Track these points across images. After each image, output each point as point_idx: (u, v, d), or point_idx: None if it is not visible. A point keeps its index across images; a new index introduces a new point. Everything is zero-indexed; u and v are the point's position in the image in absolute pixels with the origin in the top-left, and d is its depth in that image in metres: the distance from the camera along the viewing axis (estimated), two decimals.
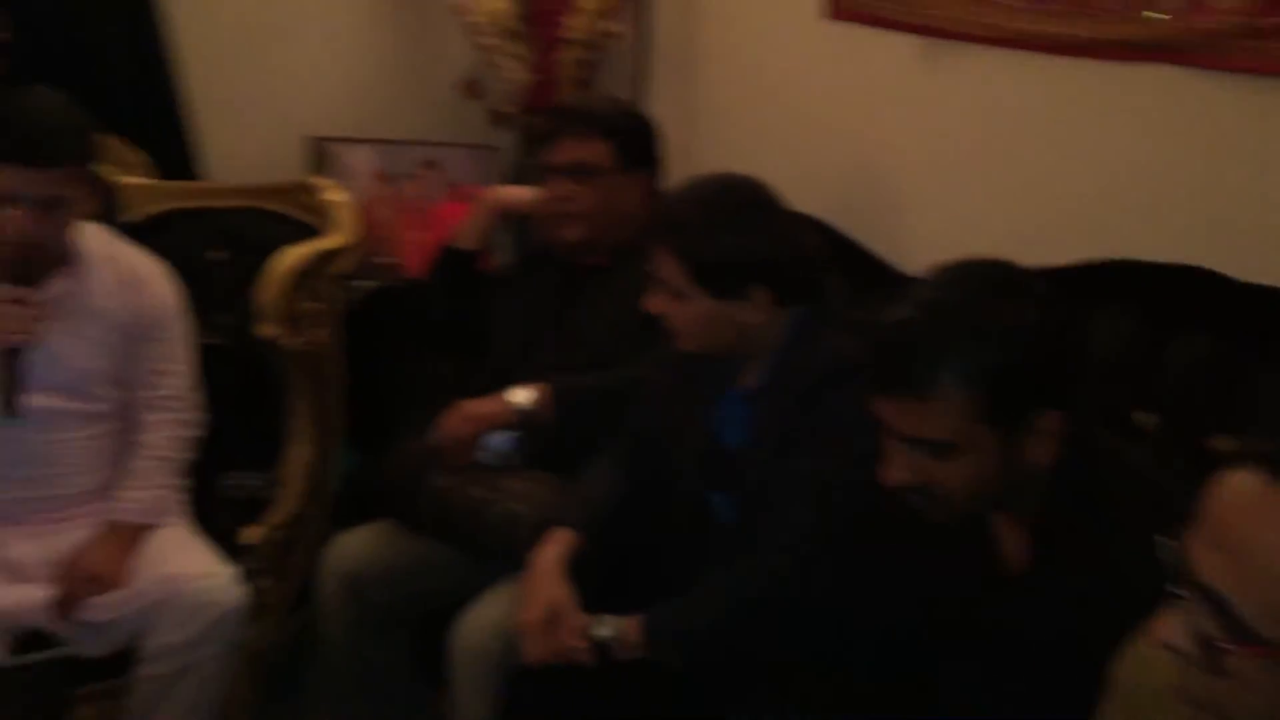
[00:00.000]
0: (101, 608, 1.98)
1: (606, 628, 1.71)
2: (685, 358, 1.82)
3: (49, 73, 2.43)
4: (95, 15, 2.53)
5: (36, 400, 2.01)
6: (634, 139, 2.23)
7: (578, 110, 2.37)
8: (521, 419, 2.05)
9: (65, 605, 1.97)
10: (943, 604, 1.45)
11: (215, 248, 2.56)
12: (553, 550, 1.82)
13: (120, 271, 2.13)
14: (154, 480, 2.13)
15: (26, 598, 1.97)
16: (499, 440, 2.06)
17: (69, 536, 2.05)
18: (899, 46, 2.32)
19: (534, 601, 1.77)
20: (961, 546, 1.44)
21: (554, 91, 2.93)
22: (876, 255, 2.32)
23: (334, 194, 2.54)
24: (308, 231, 2.50)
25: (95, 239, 2.13)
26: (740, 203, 1.76)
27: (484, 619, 1.91)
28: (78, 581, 1.99)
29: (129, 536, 2.07)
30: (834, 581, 1.58)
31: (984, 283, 1.37)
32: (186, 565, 2.05)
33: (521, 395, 2.05)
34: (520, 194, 2.38)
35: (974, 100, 2.20)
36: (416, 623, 2.12)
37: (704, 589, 1.73)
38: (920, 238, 2.28)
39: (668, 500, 1.89)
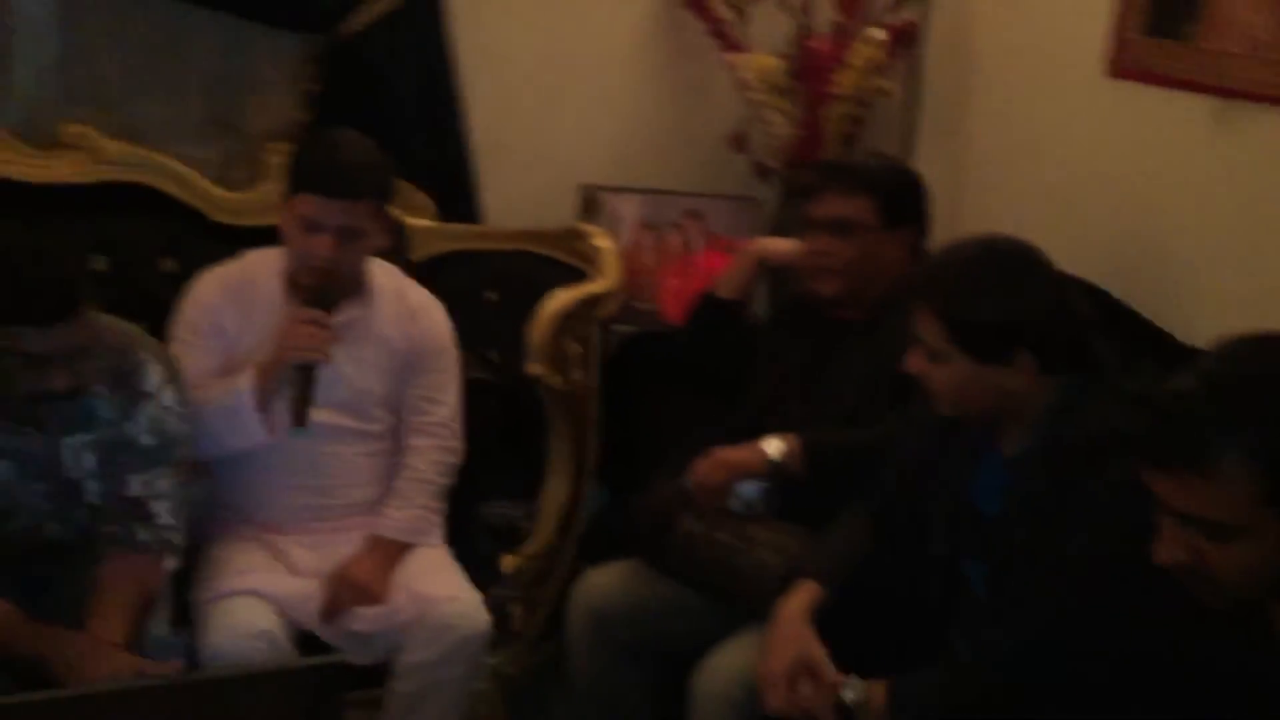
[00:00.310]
0: (364, 618, 2.12)
1: (853, 690, 1.70)
2: (942, 419, 1.79)
3: (351, 121, 2.66)
4: (397, 71, 2.71)
5: (321, 415, 2.17)
6: (898, 196, 2.23)
7: (843, 165, 2.39)
8: (772, 469, 2.06)
9: (332, 612, 2.11)
10: (1213, 694, 1.36)
11: (489, 288, 2.71)
12: (798, 601, 1.82)
13: (402, 304, 2.29)
14: (415, 501, 2.26)
15: (301, 590, 2.12)
16: (749, 489, 2.08)
17: (340, 549, 2.20)
18: (1188, 107, 2.22)
19: (778, 652, 1.77)
20: (1236, 635, 1.35)
21: (819, 146, 2.95)
22: (1153, 323, 2.22)
23: (601, 240, 2.64)
24: (575, 275, 2.61)
25: (383, 272, 2.30)
26: (1007, 264, 1.72)
27: (727, 665, 1.92)
28: (344, 589, 2.13)
29: (390, 552, 2.20)
30: (1092, 664, 1.52)
31: (1278, 358, 1.29)
32: (437, 587, 2.16)
33: (773, 445, 2.06)
34: (781, 246, 2.41)
35: (1273, 165, 2.08)
36: (660, 662, 2.16)
37: (952, 662, 1.69)
38: (1204, 307, 2.17)
39: (915, 561, 1.85)
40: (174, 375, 2.00)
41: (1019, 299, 1.69)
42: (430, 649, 2.10)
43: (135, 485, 1.96)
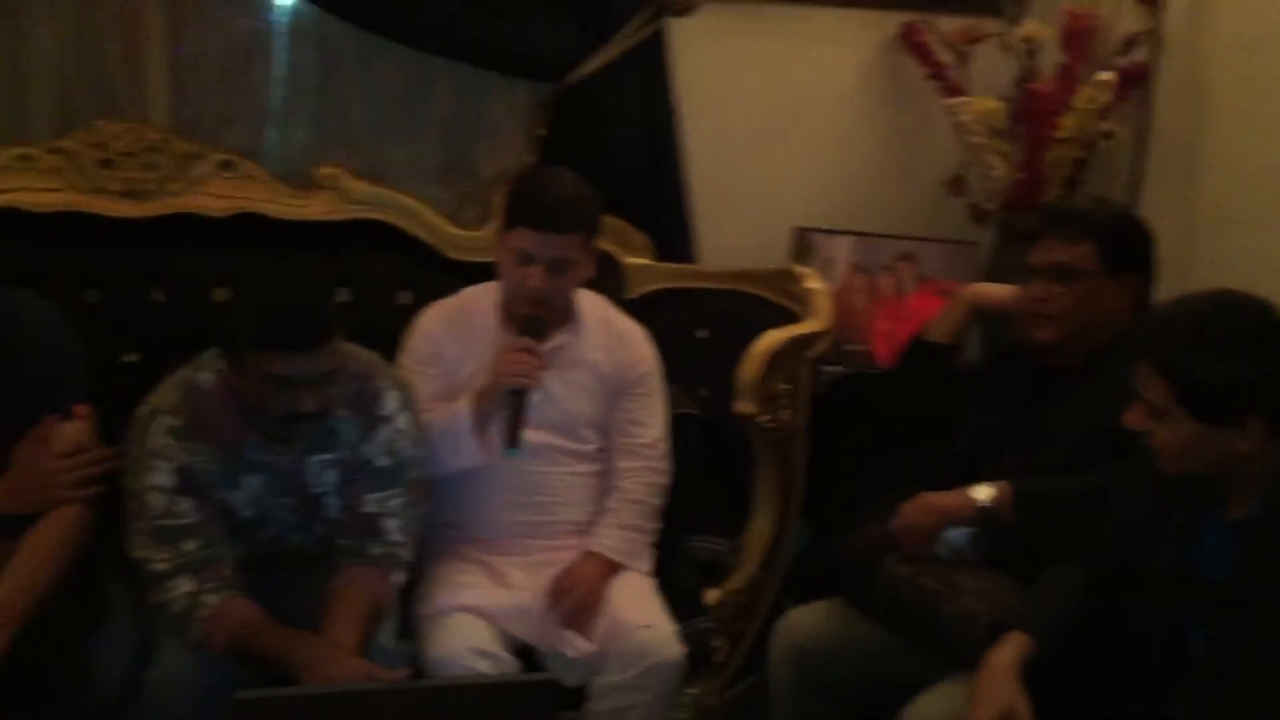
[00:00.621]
0: (571, 641, 2.18)
1: None
2: (1163, 476, 1.74)
3: (576, 163, 2.78)
4: (620, 115, 2.82)
5: (534, 436, 2.27)
6: (1122, 243, 2.17)
7: (1065, 210, 2.34)
8: (981, 516, 2.04)
9: (560, 619, 2.18)
10: None
11: (701, 326, 2.77)
12: (1008, 653, 1.79)
13: (609, 331, 2.39)
14: (627, 520, 2.33)
15: (517, 606, 2.21)
16: (957, 535, 2.06)
17: (554, 569, 2.28)
18: None
19: (987, 703, 1.75)
20: None
21: (1040, 190, 2.91)
22: None
23: (813, 282, 2.67)
24: (787, 316, 2.65)
25: (591, 301, 2.41)
26: (1240, 322, 1.65)
27: (931, 712, 1.90)
28: (564, 596, 2.20)
29: (604, 568, 2.28)
30: None
31: None
32: (637, 614, 2.21)
33: (983, 492, 2.04)
34: (998, 291, 2.38)
35: None
36: (861, 704, 2.15)
37: None
38: None
39: (1129, 619, 1.80)
40: (409, 402, 2.14)
41: (1252, 360, 1.61)
42: (625, 672, 2.15)
43: (370, 503, 2.10)
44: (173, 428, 1.98)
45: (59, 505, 2.02)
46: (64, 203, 2.49)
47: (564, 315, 2.34)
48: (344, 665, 1.89)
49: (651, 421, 2.39)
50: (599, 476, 2.38)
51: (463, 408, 2.23)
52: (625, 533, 2.33)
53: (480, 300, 2.38)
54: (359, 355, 2.10)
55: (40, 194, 2.48)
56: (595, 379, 2.35)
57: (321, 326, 1.90)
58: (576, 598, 2.21)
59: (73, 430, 2.06)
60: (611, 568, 2.29)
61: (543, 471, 2.32)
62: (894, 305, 3.07)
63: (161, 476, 1.97)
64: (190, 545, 1.97)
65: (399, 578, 2.13)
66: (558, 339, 2.31)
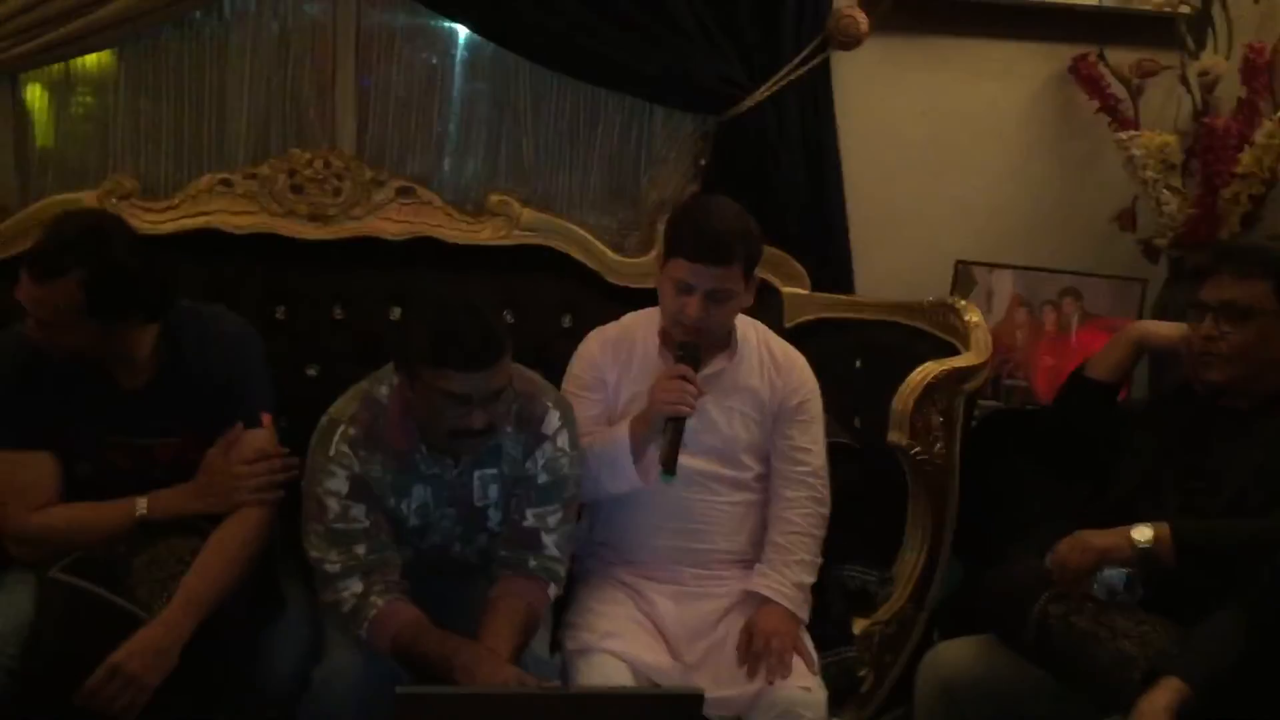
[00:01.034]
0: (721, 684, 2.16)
1: None
2: None
3: (737, 193, 2.82)
4: (783, 146, 2.86)
5: (692, 462, 2.30)
6: None
7: (1240, 247, 2.29)
8: (1140, 557, 1.99)
9: (765, 678, 2.14)
10: None
11: (857, 356, 2.78)
12: (1162, 699, 1.75)
13: (768, 357, 2.39)
14: (796, 558, 2.30)
15: (659, 659, 2.20)
16: (1113, 575, 2.02)
17: (706, 604, 2.29)
18: None
19: None
20: None
21: (1215, 227, 2.83)
22: None
23: (972, 315, 2.65)
24: (944, 348, 2.64)
25: (751, 328, 2.41)
26: None
27: None
28: (766, 656, 2.16)
29: (788, 617, 2.24)
30: None
31: None
32: (795, 670, 2.16)
33: (1143, 533, 2.00)
34: (1165, 329, 2.32)
35: None
36: None
37: None
38: None
39: None
40: (570, 421, 2.22)
41: None
42: None
43: (530, 517, 2.18)
44: (350, 437, 2.09)
45: (243, 507, 2.16)
46: (257, 225, 2.68)
47: (723, 342, 2.36)
48: (500, 670, 1.95)
49: (814, 449, 2.38)
50: (756, 506, 2.38)
51: (622, 433, 2.28)
52: (797, 573, 2.29)
53: (641, 327, 2.42)
54: (524, 375, 2.19)
55: (237, 216, 2.67)
56: (754, 405, 2.36)
57: (493, 347, 1.99)
58: (776, 657, 2.17)
59: (259, 438, 2.21)
60: (795, 617, 2.26)
61: (699, 499, 2.34)
62: (1057, 341, 3.02)
63: (338, 482, 2.08)
64: (361, 549, 2.08)
65: (554, 591, 2.20)
66: (716, 365, 2.34)
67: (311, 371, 2.65)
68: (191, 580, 2.07)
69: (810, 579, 2.33)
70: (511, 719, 1.61)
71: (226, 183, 2.67)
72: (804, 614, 2.29)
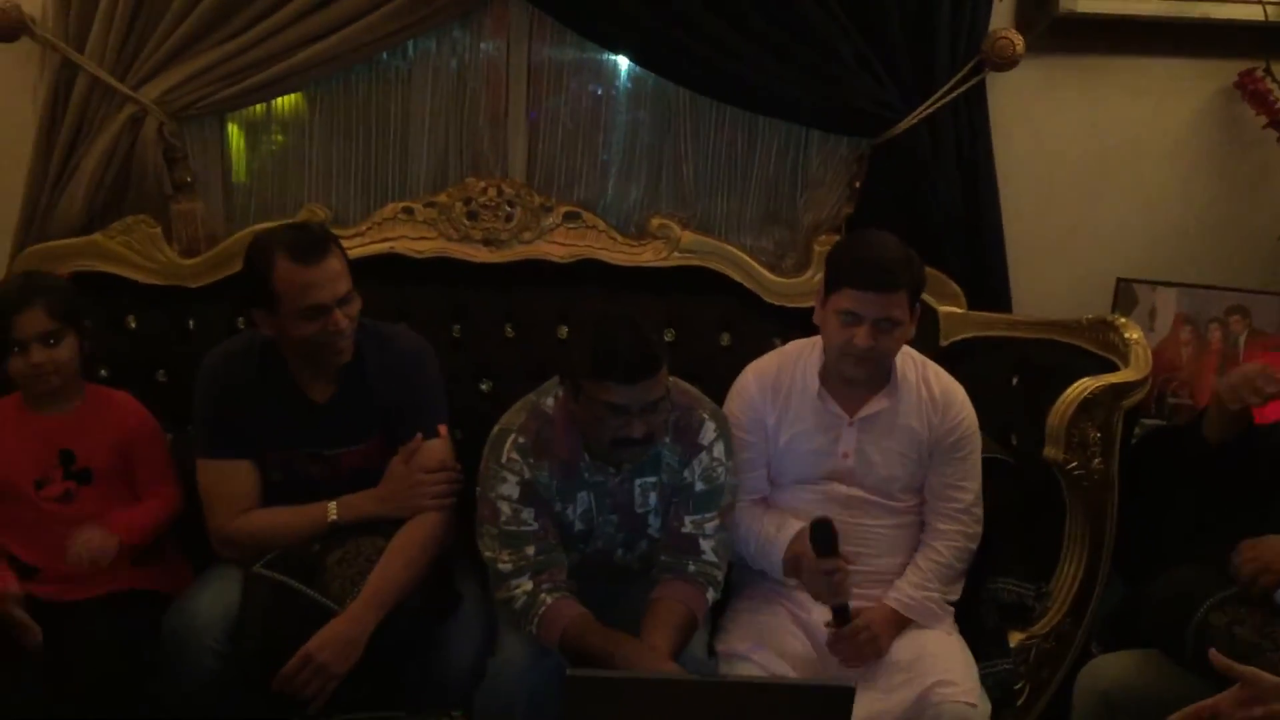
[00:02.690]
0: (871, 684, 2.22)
1: None
2: None
3: (892, 214, 2.88)
4: (938, 167, 2.90)
5: (849, 491, 2.36)
6: None
7: None
8: None
9: (846, 651, 2.24)
10: None
11: (1014, 373, 2.78)
12: None
13: (927, 393, 2.40)
14: (929, 583, 2.36)
15: (806, 657, 2.28)
16: None
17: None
18: None
19: None
20: None
21: None
22: None
23: (1131, 331, 2.62)
24: (1102, 365, 2.62)
25: (909, 362, 2.42)
26: None
27: None
28: (857, 631, 2.25)
29: (897, 621, 2.32)
30: None
31: None
32: (960, 688, 2.20)
33: None
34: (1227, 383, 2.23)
35: None
36: None
37: None
38: None
39: None
40: (725, 433, 2.31)
41: None
42: None
43: (688, 524, 2.28)
44: (520, 445, 2.23)
45: (423, 513, 2.32)
46: (436, 249, 2.86)
47: (883, 379, 2.37)
48: (661, 665, 2.06)
49: (968, 485, 2.39)
50: (912, 528, 2.42)
51: (782, 543, 2.32)
52: (925, 593, 2.34)
53: (798, 363, 2.42)
54: (682, 387, 2.29)
55: (417, 242, 2.86)
56: (913, 444, 2.38)
57: (650, 360, 2.09)
58: (855, 645, 2.24)
59: (437, 448, 2.37)
60: (901, 623, 2.32)
61: (856, 523, 2.38)
62: (1225, 359, 2.96)
63: (509, 488, 2.22)
64: (531, 550, 2.21)
65: (712, 595, 2.29)
66: (876, 405, 2.36)
67: (484, 386, 2.81)
68: (376, 578, 2.23)
69: (943, 600, 2.36)
70: (671, 705, 1.70)
71: (408, 211, 2.86)
72: (937, 623, 2.33)
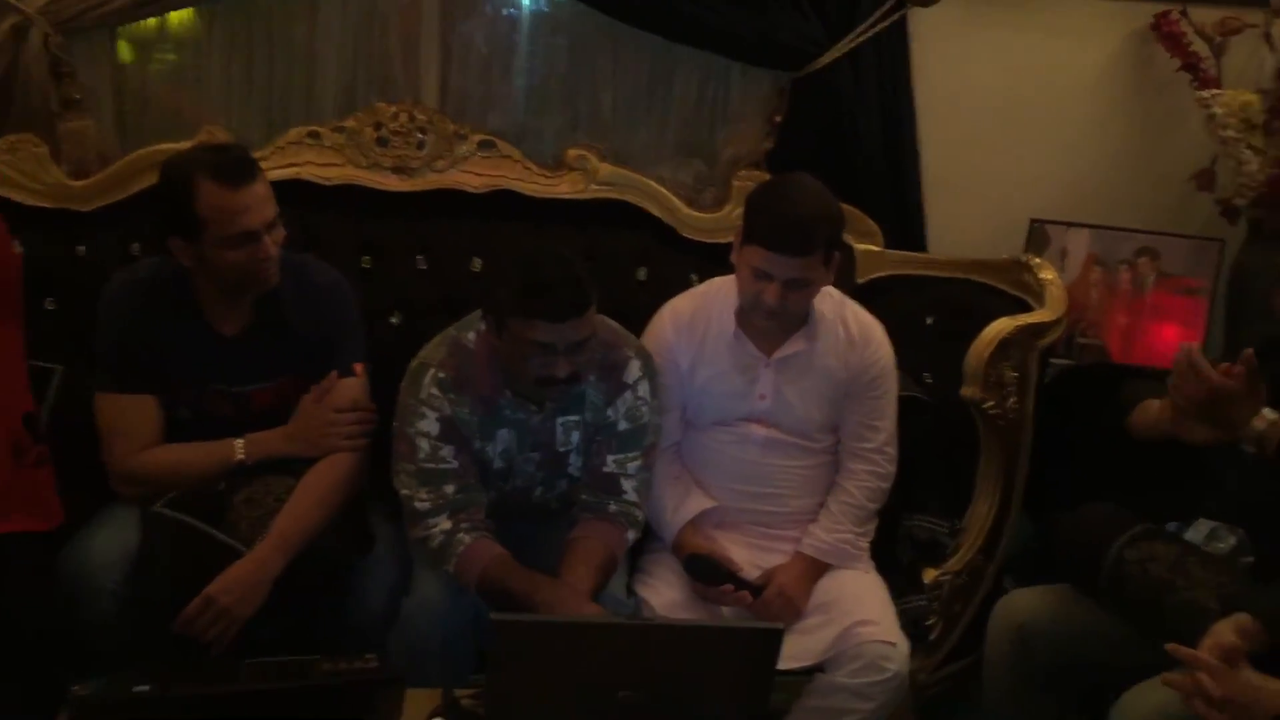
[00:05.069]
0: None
1: None
2: None
3: (811, 150, 2.86)
4: (858, 103, 2.88)
5: (766, 433, 2.35)
6: None
7: None
8: (1255, 438, 1.94)
9: (764, 618, 2.23)
10: None
11: (929, 313, 2.80)
12: (1231, 629, 1.77)
13: (845, 333, 2.37)
14: (841, 525, 2.36)
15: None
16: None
17: (777, 558, 2.34)
18: None
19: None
20: None
21: None
22: None
23: (1047, 272, 2.67)
24: (1018, 306, 2.66)
25: (828, 301, 2.38)
26: None
27: (1150, 701, 1.89)
28: (774, 599, 2.26)
29: (812, 570, 2.33)
30: None
31: None
32: (872, 615, 2.22)
33: (1266, 417, 1.93)
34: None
35: None
36: (1080, 689, 2.15)
37: None
38: None
39: None
40: (650, 371, 2.27)
41: None
42: (853, 677, 2.17)
43: (610, 463, 2.24)
44: (440, 380, 2.17)
45: (335, 453, 2.25)
46: (344, 176, 2.74)
47: (800, 321, 2.34)
48: (581, 606, 2.04)
49: (882, 425, 2.38)
50: (828, 467, 2.41)
51: (674, 531, 2.33)
52: (837, 536, 2.34)
53: (716, 303, 2.38)
54: (608, 325, 2.24)
55: (324, 168, 2.74)
56: (830, 384, 2.36)
57: (581, 297, 2.04)
58: (782, 604, 2.25)
59: (352, 387, 2.29)
60: (818, 568, 2.33)
61: (772, 463, 2.38)
62: (1132, 300, 3.02)
63: (429, 424, 2.16)
64: (450, 488, 2.16)
65: (632, 535, 2.27)
66: (792, 347, 2.34)
67: (395, 320, 2.72)
68: (283, 520, 2.16)
69: (858, 540, 2.36)
70: (600, 649, 1.67)
71: (315, 135, 2.74)
72: (853, 563, 2.34)
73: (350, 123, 2.75)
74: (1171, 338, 3.00)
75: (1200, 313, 2.99)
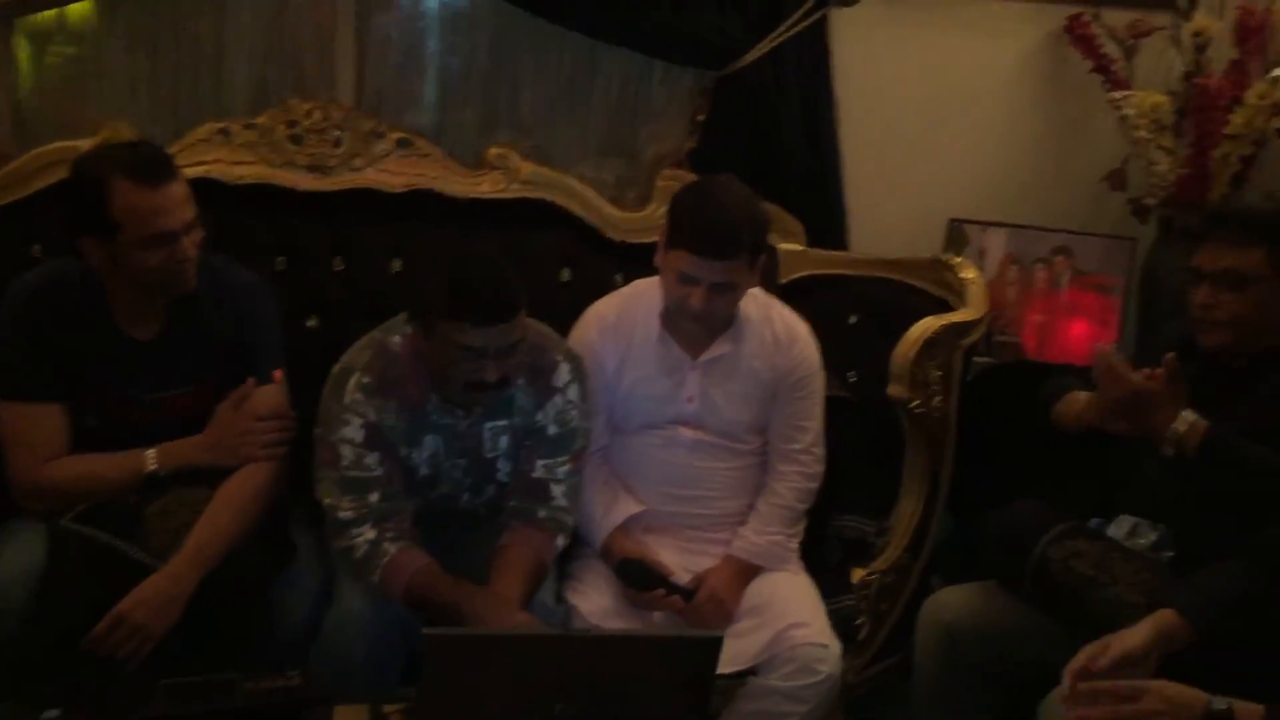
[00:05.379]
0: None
1: (1223, 702, 1.64)
2: None
3: (734, 148, 2.85)
4: (780, 102, 2.87)
5: (694, 435, 2.34)
6: None
7: (1233, 212, 2.30)
8: (1173, 441, 2.00)
9: (696, 622, 2.22)
10: None
11: (852, 312, 2.81)
12: (1150, 627, 1.80)
13: (770, 334, 2.37)
14: (770, 527, 2.35)
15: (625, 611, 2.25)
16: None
17: (707, 561, 2.33)
18: None
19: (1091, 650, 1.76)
20: None
21: (1205, 187, 2.88)
22: None
23: (968, 272, 2.69)
24: (939, 305, 2.68)
25: (754, 303, 2.36)
26: None
27: None
28: (706, 604, 2.25)
29: (743, 573, 2.32)
30: None
31: None
32: (804, 617, 2.21)
33: (1188, 417, 2.00)
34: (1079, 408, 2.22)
35: None
36: (1008, 686, 2.17)
37: None
38: None
39: None
40: (579, 375, 2.24)
41: None
42: (786, 680, 2.16)
43: (539, 468, 2.20)
44: (364, 385, 2.10)
45: (252, 462, 2.17)
46: (257, 175, 2.65)
47: (726, 323, 2.33)
48: (510, 616, 2.00)
49: (809, 425, 2.38)
50: (756, 469, 2.40)
51: (603, 535, 2.31)
52: (768, 538, 2.34)
53: (641, 306, 2.36)
54: (536, 328, 2.19)
55: (236, 167, 2.64)
56: (756, 385, 2.35)
57: (511, 301, 1.99)
58: (713, 608, 2.24)
59: (271, 394, 2.22)
60: (749, 571, 2.32)
61: (700, 465, 2.36)
62: (1048, 298, 3.07)
63: (352, 430, 2.10)
64: (374, 496, 2.10)
65: (561, 541, 2.23)
66: (718, 349, 2.32)
67: (312, 323, 2.65)
68: (199, 533, 2.08)
69: (787, 542, 2.36)
70: (535, 661, 1.63)
71: (225, 132, 2.64)
72: (783, 564, 2.34)
73: (262, 119, 2.67)
74: (1083, 334, 3.06)
75: (1114, 310, 3.05)
